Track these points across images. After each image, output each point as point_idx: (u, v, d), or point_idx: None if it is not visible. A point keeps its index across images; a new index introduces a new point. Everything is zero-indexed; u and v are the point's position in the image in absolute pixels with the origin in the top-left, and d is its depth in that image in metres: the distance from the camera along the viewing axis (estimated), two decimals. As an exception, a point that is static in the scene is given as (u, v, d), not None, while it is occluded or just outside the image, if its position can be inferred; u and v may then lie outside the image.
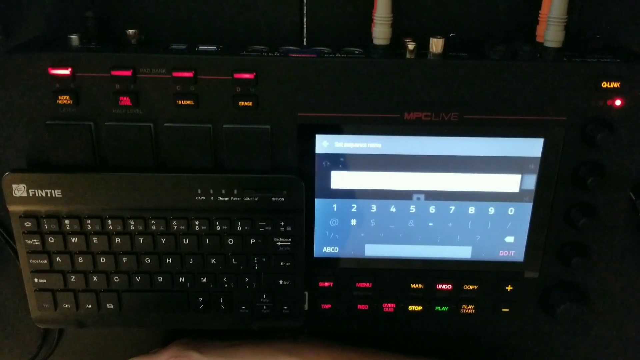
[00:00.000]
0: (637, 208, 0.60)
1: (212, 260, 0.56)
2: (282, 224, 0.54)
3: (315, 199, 0.55)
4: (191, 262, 0.56)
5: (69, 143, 0.52)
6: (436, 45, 0.51)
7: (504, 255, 0.58)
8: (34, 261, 0.55)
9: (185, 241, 0.55)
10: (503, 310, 0.59)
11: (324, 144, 0.54)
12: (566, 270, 0.58)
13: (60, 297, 0.57)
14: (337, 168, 0.54)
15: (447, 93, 0.51)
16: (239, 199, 0.53)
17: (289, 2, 0.55)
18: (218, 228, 0.54)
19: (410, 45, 0.51)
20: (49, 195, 0.53)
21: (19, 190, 0.52)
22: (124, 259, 0.55)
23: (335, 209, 0.56)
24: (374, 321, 0.60)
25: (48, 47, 0.51)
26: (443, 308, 0.59)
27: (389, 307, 0.59)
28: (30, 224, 0.54)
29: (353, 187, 0.55)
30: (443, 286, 0.59)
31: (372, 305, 0.59)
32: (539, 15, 0.53)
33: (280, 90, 0.51)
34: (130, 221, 0.54)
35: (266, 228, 0.55)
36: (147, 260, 0.55)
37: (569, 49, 0.52)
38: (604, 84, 0.50)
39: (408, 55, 0.51)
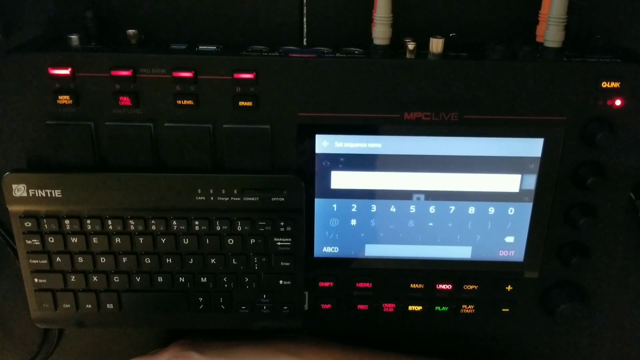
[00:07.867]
0: (637, 208, 0.60)
1: (212, 260, 0.56)
2: (282, 224, 0.54)
3: (315, 199, 0.55)
4: (191, 262, 0.56)
5: (69, 143, 0.52)
6: (436, 45, 0.51)
7: (504, 255, 0.58)
8: (34, 261, 0.55)
9: (185, 241, 0.55)
10: (503, 310, 0.59)
11: (324, 144, 0.54)
12: (566, 270, 0.58)
13: (60, 297, 0.56)
14: (337, 168, 0.54)
15: (447, 93, 0.51)
16: (239, 199, 0.53)
17: (289, 2, 0.55)
18: (218, 228, 0.54)
19: (410, 45, 0.51)
20: (49, 195, 0.53)
21: (19, 190, 0.52)
22: (124, 259, 0.55)
23: (335, 209, 0.56)
24: (374, 321, 0.60)
25: (48, 47, 0.51)
26: (443, 308, 0.59)
27: (389, 307, 0.59)
28: (30, 224, 0.54)
29: (353, 187, 0.55)
30: (443, 286, 0.59)
31: (372, 305, 0.59)
32: (539, 15, 0.53)
33: (280, 90, 0.51)
34: (130, 221, 0.54)
35: (266, 228, 0.55)
36: (147, 260, 0.55)
37: (569, 49, 0.52)
38: (604, 84, 0.50)
39: (408, 55, 0.51)
